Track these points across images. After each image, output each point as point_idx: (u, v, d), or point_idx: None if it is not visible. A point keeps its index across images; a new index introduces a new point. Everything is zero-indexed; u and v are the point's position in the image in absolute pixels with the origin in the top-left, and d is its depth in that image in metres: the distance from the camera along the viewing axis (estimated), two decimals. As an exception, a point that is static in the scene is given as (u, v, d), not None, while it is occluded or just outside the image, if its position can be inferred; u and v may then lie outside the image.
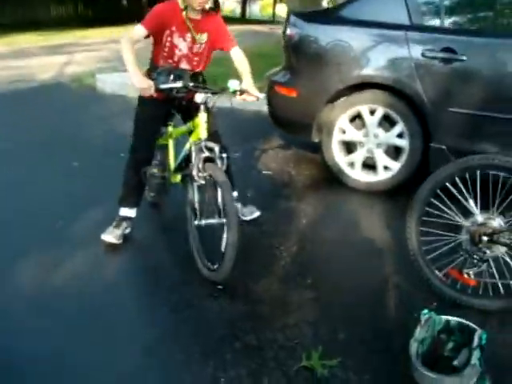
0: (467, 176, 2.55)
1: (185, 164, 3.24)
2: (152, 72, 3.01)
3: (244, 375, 2.19)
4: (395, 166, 3.79)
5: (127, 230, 3.29)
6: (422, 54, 3.52)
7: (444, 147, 3.60)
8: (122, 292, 2.80)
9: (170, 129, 3.42)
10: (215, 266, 2.77)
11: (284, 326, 2.49)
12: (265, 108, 4.61)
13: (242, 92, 2.99)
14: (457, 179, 2.57)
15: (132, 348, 2.38)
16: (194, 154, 2.92)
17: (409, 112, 3.65)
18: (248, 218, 3.49)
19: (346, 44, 3.77)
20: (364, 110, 3.77)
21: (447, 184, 2.59)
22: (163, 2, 2.98)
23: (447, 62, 3.47)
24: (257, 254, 3.13)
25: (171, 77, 2.91)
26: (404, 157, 3.75)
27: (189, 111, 3.13)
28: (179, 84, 2.86)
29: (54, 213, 3.64)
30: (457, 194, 2.57)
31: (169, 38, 2.97)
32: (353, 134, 3.88)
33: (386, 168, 3.83)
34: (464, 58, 3.41)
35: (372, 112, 3.77)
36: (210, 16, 3.05)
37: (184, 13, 2.91)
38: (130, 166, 3.31)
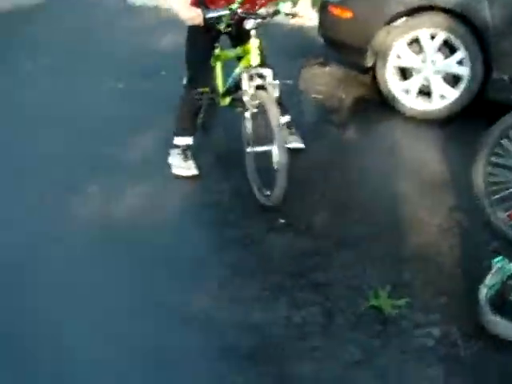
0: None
1: (234, 88, 3.21)
2: (201, 5, 2.86)
3: (316, 313, 2.29)
4: (452, 94, 3.67)
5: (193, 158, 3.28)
6: (494, -23, 3.31)
7: (506, 78, 3.47)
8: (187, 228, 2.85)
9: (217, 51, 3.31)
10: (268, 192, 2.84)
11: (349, 264, 2.56)
12: (308, 23, 4.44)
13: (294, 15, 2.93)
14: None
15: (203, 285, 2.47)
16: (245, 81, 2.88)
17: (472, 39, 3.48)
18: (290, 146, 3.32)
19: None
20: (423, 34, 3.59)
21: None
22: None
23: (521, -15, 3.26)
24: (310, 187, 3.15)
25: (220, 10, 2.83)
26: (462, 85, 3.61)
27: (239, 36, 3.02)
28: (226, 11, 2.77)
29: (108, 140, 3.62)
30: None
31: None
32: (410, 60, 3.72)
33: (441, 96, 3.72)
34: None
35: (431, 37, 3.61)
36: None
37: None
38: (188, 95, 3.22)
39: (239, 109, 3.25)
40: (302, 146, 3.44)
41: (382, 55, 3.75)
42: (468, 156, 3.32)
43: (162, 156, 3.35)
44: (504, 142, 2.59)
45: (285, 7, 2.88)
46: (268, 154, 2.83)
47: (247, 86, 2.85)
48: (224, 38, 3.27)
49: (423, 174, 3.24)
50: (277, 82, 2.81)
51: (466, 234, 2.75)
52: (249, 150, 2.95)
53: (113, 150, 3.49)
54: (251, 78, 2.83)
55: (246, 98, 2.87)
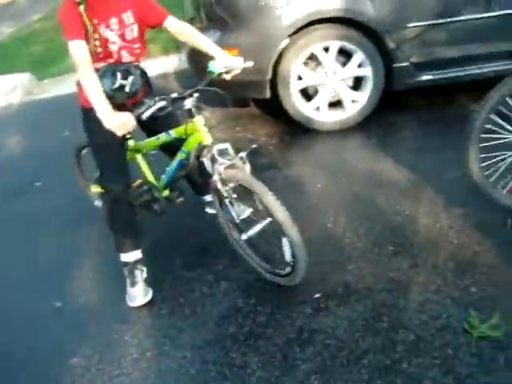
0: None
1: (180, 177, 2.75)
2: None
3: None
4: (362, 96, 3.65)
5: (144, 275, 2.71)
6: (367, -26, 3.31)
7: (407, 64, 3.53)
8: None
9: (132, 143, 2.79)
10: (285, 271, 2.46)
11: (417, 304, 2.29)
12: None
13: (228, 70, 2.47)
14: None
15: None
16: (209, 167, 2.42)
17: (364, 39, 3.47)
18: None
19: (283, -17, 3.36)
20: (318, 49, 3.49)
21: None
22: (64, 4, 2.30)
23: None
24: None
25: (118, 75, 2.36)
26: (369, 85, 3.60)
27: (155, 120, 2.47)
28: (162, 103, 2.29)
29: (39, 293, 2.88)
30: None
31: (96, 35, 2.33)
32: (311, 78, 3.60)
33: (353, 101, 3.67)
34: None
35: (325, 49, 3.52)
36: None
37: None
38: (111, 204, 2.63)
39: (179, 199, 2.85)
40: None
41: (282, 82, 3.56)
42: (406, 148, 3.44)
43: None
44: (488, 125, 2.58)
45: (216, 66, 2.42)
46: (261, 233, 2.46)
47: (215, 171, 2.39)
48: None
49: (390, 183, 3.12)
50: (244, 153, 2.39)
51: (479, 224, 2.68)
52: (245, 238, 2.47)
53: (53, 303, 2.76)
54: (215, 159, 2.37)
55: (219, 185, 2.41)
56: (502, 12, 3.34)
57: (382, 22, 3.38)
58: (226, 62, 2.45)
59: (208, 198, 3.00)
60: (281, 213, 2.29)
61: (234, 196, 2.44)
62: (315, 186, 3.24)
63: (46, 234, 3.32)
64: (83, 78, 2.27)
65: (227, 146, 2.38)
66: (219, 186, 2.41)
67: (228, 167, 2.37)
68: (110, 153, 2.57)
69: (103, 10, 2.32)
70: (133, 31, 2.42)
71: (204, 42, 2.54)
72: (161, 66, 5.71)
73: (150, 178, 2.85)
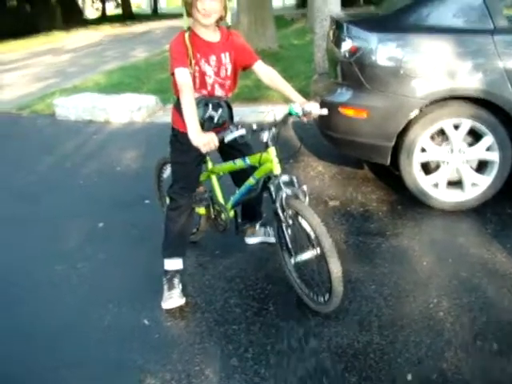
0: None
1: (248, 200, 3.03)
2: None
3: None
4: (485, 181, 3.52)
5: (180, 287, 2.95)
6: (514, 60, 3.24)
7: (538, 155, 3.39)
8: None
9: (210, 165, 3.12)
10: (323, 299, 2.70)
11: None
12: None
13: (305, 114, 2.69)
14: None
15: None
16: (273, 193, 2.70)
17: (498, 123, 3.38)
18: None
19: (426, 54, 3.36)
20: (448, 125, 3.43)
21: None
22: (176, 37, 2.64)
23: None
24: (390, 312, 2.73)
25: (210, 107, 2.72)
26: (494, 170, 3.48)
27: (232, 147, 2.86)
28: (243, 131, 2.57)
29: (130, 307, 2.97)
30: None
31: (197, 67, 2.64)
32: (436, 153, 3.53)
33: (473, 184, 3.56)
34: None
35: (455, 126, 3.46)
36: (227, 34, 2.73)
37: (187, 35, 2.59)
38: (172, 211, 2.96)
39: (250, 228, 3.35)
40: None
41: (406, 152, 3.51)
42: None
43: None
44: None
45: (297, 108, 2.65)
46: (309, 260, 2.71)
47: (278, 199, 2.66)
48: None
49: (503, 276, 2.93)
50: (305, 187, 2.67)
51: None
52: (293, 262, 2.78)
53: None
54: (279, 188, 2.65)
55: (279, 211, 2.68)
56: None
57: (520, 108, 3.28)
58: (305, 107, 2.68)
59: (251, 228, 3.38)
60: (328, 244, 2.51)
61: (291, 222, 2.68)
62: (421, 263, 3.12)
63: (149, 249, 3.43)
64: (184, 101, 2.53)
65: (293, 178, 2.67)
66: (279, 211, 2.67)
67: (289, 196, 2.63)
68: (186, 172, 2.93)
69: (207, 48, 2.65)
70: (227, 70, 2.74)
71: (286, 87, 2.83)
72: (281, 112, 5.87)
73: (220, 198, 3.17)
